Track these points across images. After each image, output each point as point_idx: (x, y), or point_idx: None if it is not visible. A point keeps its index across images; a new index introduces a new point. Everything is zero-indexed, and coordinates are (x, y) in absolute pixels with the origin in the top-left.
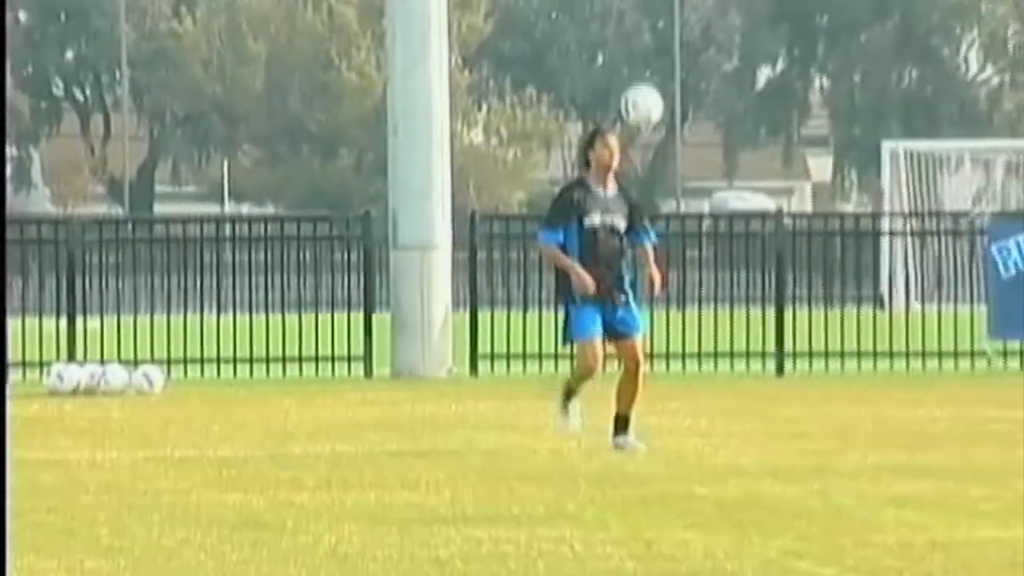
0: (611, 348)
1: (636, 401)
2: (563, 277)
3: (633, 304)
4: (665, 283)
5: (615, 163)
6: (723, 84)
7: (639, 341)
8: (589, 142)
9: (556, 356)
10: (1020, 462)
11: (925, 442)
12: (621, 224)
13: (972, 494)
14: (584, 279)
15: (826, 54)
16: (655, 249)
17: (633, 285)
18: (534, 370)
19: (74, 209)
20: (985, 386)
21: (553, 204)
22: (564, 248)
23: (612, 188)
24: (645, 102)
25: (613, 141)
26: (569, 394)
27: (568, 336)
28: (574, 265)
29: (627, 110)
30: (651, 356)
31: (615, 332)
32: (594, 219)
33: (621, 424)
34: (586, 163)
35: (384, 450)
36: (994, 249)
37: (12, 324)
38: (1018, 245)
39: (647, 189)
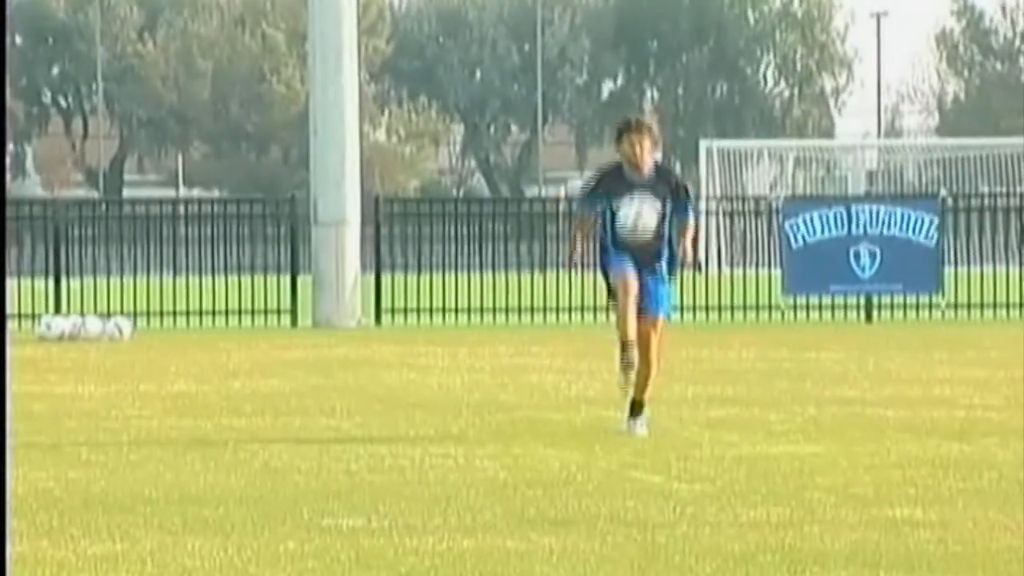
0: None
1: (650, 384)
2: (597, 243)
3: (664, 283)
4: (695, 258)
5: (642, 157)
6: (575, 95)
7: (658, 322)
8: (617, 138)
9: (444, 310)
10: (807, 393)
11: (733, 377)
12: (654, 205)
13: (770, 418)
14: (573, 252)
15: (656, 71)
16: (695, 222)
17: (671, 262)
18: (427, 321)
19: (59, 193)
20: (780, 333)
21: (586, 181)
22: (603, 226)
23: (648, 171)
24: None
25: (638, 137)
26: (624, 363)
27: (611, 291)
28: (576, 238)
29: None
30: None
31: (639, 303)
32: (623, 202)
33: (636, 408)
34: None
35: (306, 384)
36: (787, 225)
37: (9, 285)
38: (805, 222)
39: (516, 178)
